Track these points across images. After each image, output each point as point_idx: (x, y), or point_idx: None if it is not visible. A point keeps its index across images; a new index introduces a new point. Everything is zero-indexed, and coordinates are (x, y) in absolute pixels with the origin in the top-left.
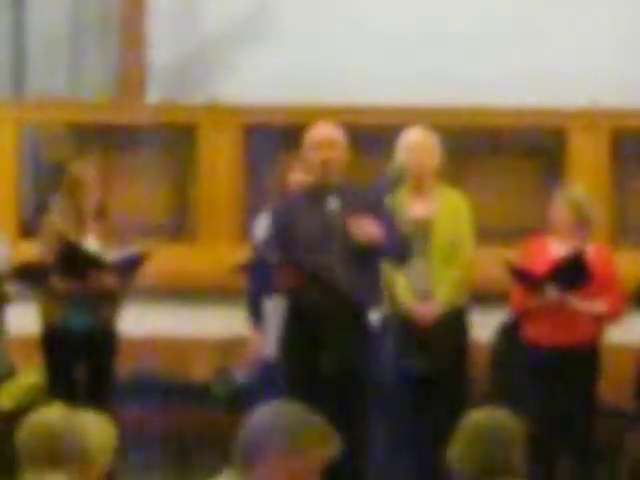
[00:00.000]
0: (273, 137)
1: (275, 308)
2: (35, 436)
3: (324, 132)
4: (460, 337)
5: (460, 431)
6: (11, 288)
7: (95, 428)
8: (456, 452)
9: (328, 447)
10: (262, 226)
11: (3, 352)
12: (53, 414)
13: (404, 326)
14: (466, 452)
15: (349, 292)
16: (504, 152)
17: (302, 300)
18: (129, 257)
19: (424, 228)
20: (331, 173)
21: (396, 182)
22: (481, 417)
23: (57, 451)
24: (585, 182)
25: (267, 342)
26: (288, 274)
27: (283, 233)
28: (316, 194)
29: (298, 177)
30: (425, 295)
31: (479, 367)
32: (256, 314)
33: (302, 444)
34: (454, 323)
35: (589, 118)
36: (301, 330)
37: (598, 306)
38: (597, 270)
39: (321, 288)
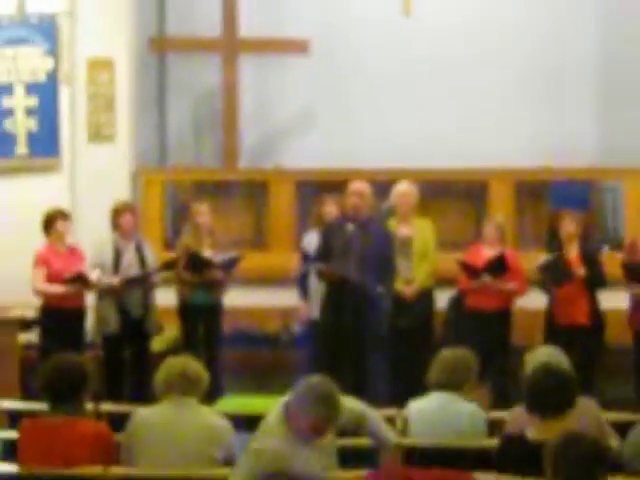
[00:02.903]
0: (314, 189)
1: (317, 289)
2: (173, 373)
3: (357, 186)
4: (429, 306)
5: (436, 361)
6: (157, 278)
7: (201, 367)
8: (432, 374)
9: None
10: (308, 239)
11: (155, 317)
12: (182, 359)
13: (396, 299)
14: (439, 374)
15: (360, 283)
16: (453, 196)
17: (333, 288)
18: (228, 259)
19: (407, 242)
20: (358, 212)
21: (388, 215)
22: (451, 352)
23: (194, 381)
24: (500, 212)
25: (312, 309)
26: (326, 275)
27: (324, 245)
28: (342, 224)
29: (329, 209)
30: (409, 281)
31: (439, 324)
32: (302, 293)
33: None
34: (426, 298)
35: (503, 175)
36: (333, 304)
37: (512, 286)
38: (511, 264)
39: (344, 282)
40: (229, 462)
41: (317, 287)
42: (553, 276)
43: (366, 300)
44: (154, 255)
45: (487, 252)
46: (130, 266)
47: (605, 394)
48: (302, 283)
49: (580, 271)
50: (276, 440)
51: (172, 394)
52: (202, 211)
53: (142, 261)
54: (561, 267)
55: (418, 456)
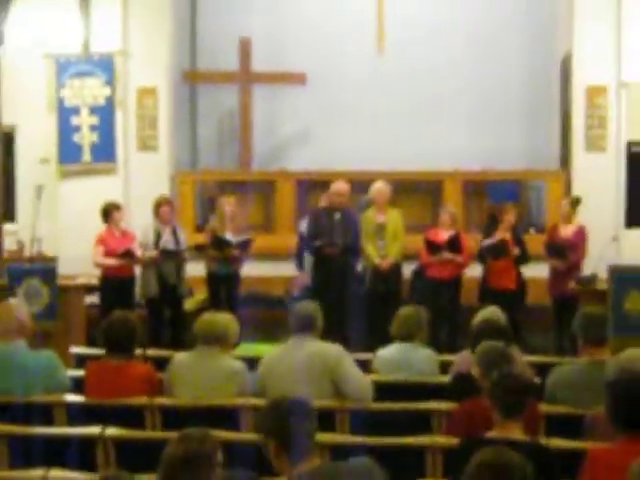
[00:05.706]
0: (310, 186)
1: (310, 262)
2: (206, 326)
3: (339, 186)
4: (399, 276)
5: (395, 317)
6: (188, 256)
7: (232, 321)
8: (393, 328)
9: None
10: (303, 224)
11: (185, 284)
12: (211, 317)
13: (374, 270)
14: (398, 328)
15: (344, 251)
16: (415, 191)
17: (324, 258)
18: (243, 240)
19: (382, 226)
20: (342, 206)
21: (367, 206)
22: (406, 310)
23: (218, 333)
24: (451, 202)
25: (307, 277)
26: (324, 249)
27: (314, 228)
28: (327, 212)
29: (322, 203)
30: (384, 257)
31: (405, 290)
32: (299, 264)
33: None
34: (396, 269)
35: (453, 176)
36: (321, 271)
37: (460, 259)
38: (461, 243)
39: (335, 253)
40: (242, 394)
41: (310, 260)
42: (494, 253)
43: (346, 266)
44: (185, 238)
45: (443, 233)
46: (167, 245)
47: (526, 342)
48: (299, 257)
49: (515, 251)
50: None
51: (200, 344)
52: (230, 202)
53: (177, 242)
54: (501, 247)
55: (386, 391)
